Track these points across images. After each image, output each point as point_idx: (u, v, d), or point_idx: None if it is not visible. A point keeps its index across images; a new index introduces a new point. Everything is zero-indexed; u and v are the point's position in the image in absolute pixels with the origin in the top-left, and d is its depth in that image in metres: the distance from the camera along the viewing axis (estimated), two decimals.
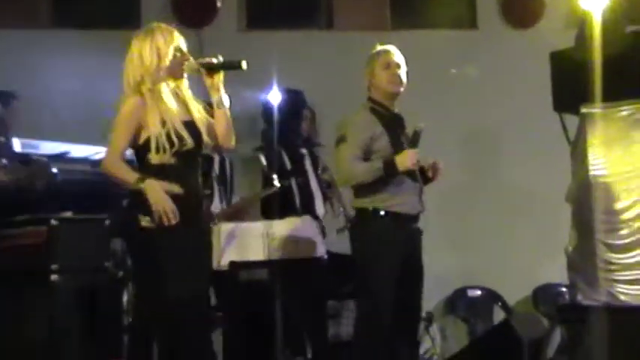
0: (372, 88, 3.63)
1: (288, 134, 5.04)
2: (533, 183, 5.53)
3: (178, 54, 3.14)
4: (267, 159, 4.57)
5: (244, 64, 3.12)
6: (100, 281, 3.97)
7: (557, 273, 5.07)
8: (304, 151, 5.06)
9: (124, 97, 3.13)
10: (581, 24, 4.14)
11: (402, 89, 3.62)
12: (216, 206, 4.74)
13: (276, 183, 4.42)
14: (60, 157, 4.17)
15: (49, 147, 4.28)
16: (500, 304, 5.66)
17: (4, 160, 4.40)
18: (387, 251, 3.49)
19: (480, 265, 5.65)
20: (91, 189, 4.10)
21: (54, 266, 3.76)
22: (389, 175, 3.50)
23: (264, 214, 4.58)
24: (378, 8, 6.34)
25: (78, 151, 4.29)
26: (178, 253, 3.03)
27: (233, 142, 3.28)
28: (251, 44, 5.73)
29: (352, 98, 5.13)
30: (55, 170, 4.06)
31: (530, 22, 6.08)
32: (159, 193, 3.01)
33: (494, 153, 5.72)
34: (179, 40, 3.16)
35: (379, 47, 3.67)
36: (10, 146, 4.50)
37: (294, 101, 5.40)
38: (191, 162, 3.16)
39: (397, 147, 3.54)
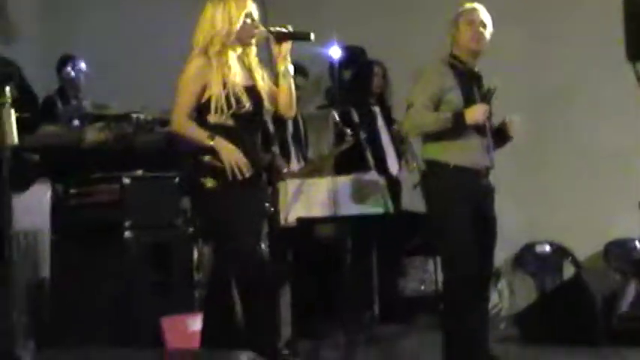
0: (455, 44, 3.62)
1: (357, 92, 5.00)
2: (606, 136, 5.36)
3: (249, 20, 3.17)
4: (339, 115, 4.55)
5: (312, 36, 3.21)
6: (171, 238, 4.08)
7: (629, 228, 4.96)
8: (376, 108, 5.01)
9: (191, 58, 3.18)
10: None
11: (483, 47, 3.60)
12: (294, 164, 4.78)
13: (349, 138, 4.41)
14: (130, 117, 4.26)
15: (119, 107, 4.37)
16: (570, 259, 5.57)
17: (77, 122, 4.53)
18: (457, 203, 3.49)
19: (549, 221, 5.54)
20: (160, 148, 4.18)
21: (127, 223, 3.88)
22: (457, 127, 3.48)
23: (337, 170, 4.58)
24: None
25: (146, 110, 4.37)
26: (240, 211, 3.10)
27: (293, 113, 3.38)
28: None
29: (413, 53, 5.08)
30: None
31: None
32: (230, 149, 3.11)
33: (565, 107, 5.54)
34: (251, 7, 3.20)
35: (467, 5, 3.65)
36: (81, 107, 4.62)
37: (360, 58, 5.35)
38: (249, 125, 3.21)
39: (469, 102, 3.54)
